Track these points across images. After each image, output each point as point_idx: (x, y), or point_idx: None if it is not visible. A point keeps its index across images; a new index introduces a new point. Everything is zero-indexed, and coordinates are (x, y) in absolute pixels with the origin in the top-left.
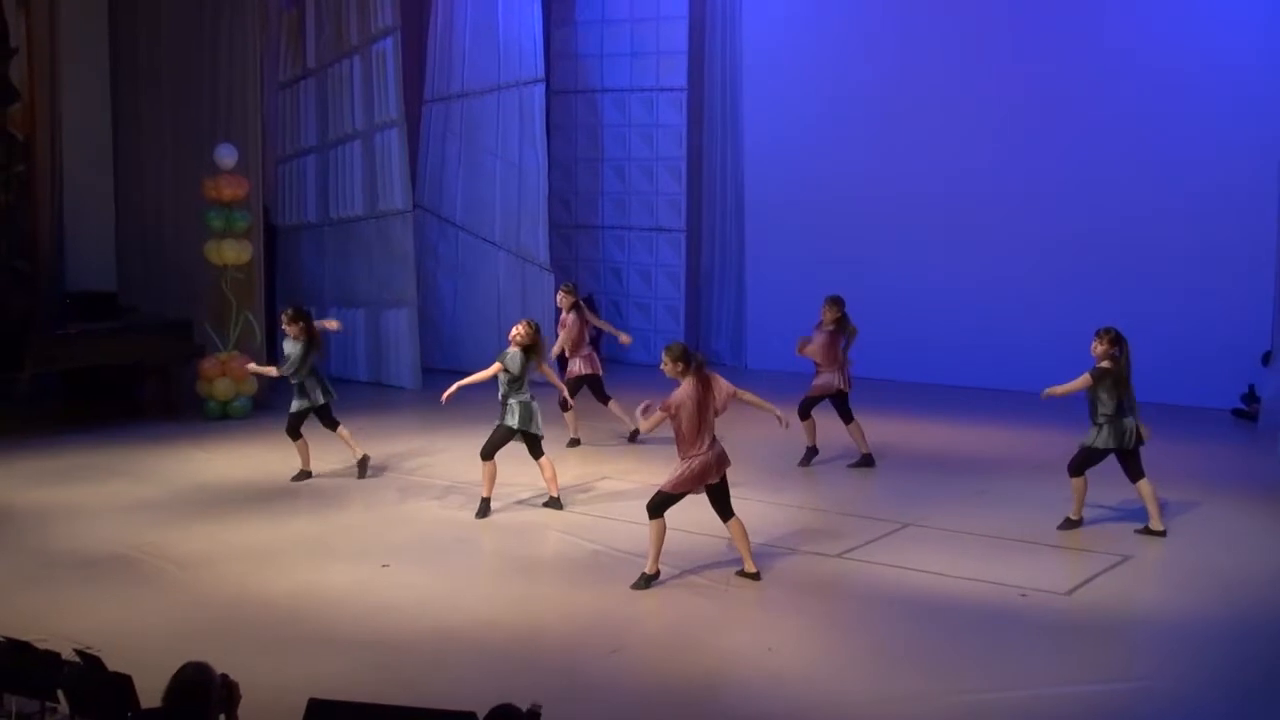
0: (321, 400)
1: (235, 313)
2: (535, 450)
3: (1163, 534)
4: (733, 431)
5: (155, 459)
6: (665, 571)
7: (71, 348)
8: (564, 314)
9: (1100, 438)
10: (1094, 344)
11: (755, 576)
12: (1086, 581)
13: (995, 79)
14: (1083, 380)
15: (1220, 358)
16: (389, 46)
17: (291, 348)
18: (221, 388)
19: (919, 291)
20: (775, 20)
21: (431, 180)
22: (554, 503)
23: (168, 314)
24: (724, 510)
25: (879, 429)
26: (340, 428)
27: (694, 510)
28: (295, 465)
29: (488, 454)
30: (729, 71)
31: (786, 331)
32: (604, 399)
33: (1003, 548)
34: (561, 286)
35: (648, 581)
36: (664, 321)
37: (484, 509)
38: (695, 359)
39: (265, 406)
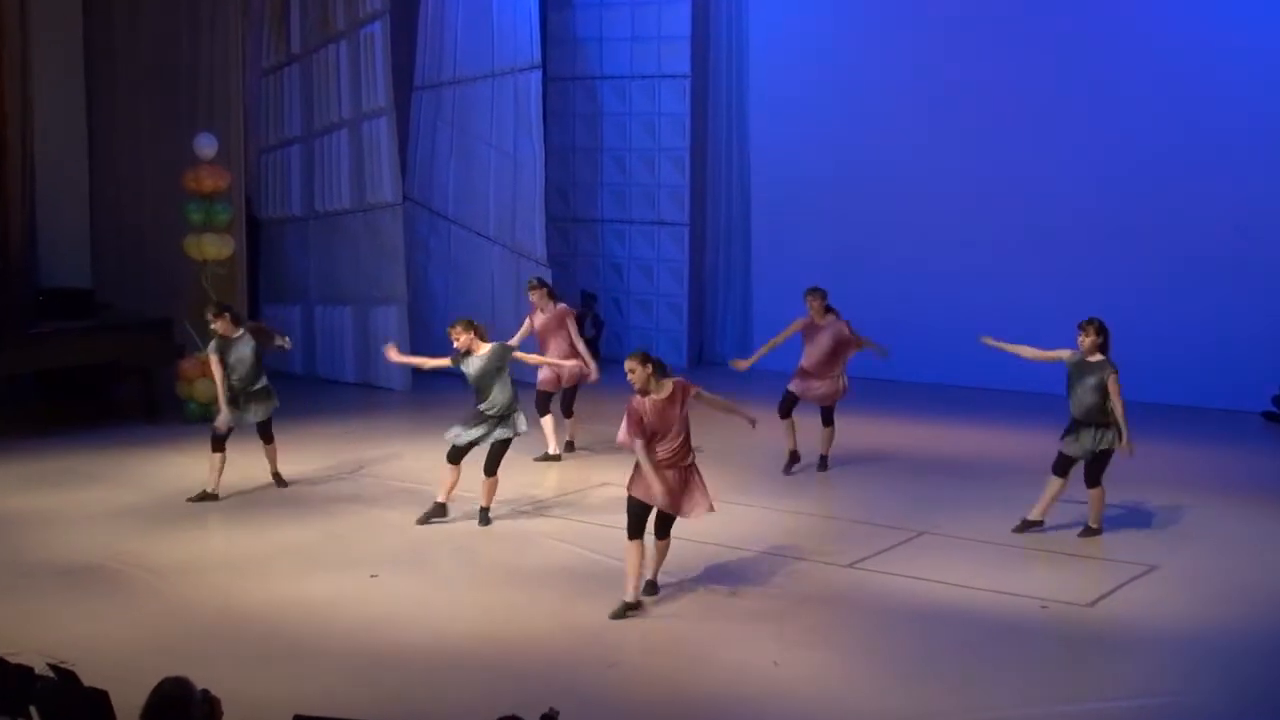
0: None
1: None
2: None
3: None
4: (738, 437)
5: (133, 463)
6: (667, 581)
7: (45, 347)
8: (548, 311)
9: (1110, 438)
10: (1081, 337)
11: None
12: (1110, 593)
13: (1014, 69)
14: (1118, 390)
15: (1250, 358)
16: (377, 31)
17: (239, 351)
18: (202, 389)
19: (932, 288)
20: (783, 4)
21: (422, 171)
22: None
23: (146, 312)
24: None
25: (890, 431)
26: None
27: (701, 518)
28: (279, 470)
29: (490, 470)
30: (735, 58)
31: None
32: (566, 409)
33: (1021, 557)
34: (530, 283)
35: (654, 588)
36: (666, 319)
37: (484, 517)
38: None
39: None
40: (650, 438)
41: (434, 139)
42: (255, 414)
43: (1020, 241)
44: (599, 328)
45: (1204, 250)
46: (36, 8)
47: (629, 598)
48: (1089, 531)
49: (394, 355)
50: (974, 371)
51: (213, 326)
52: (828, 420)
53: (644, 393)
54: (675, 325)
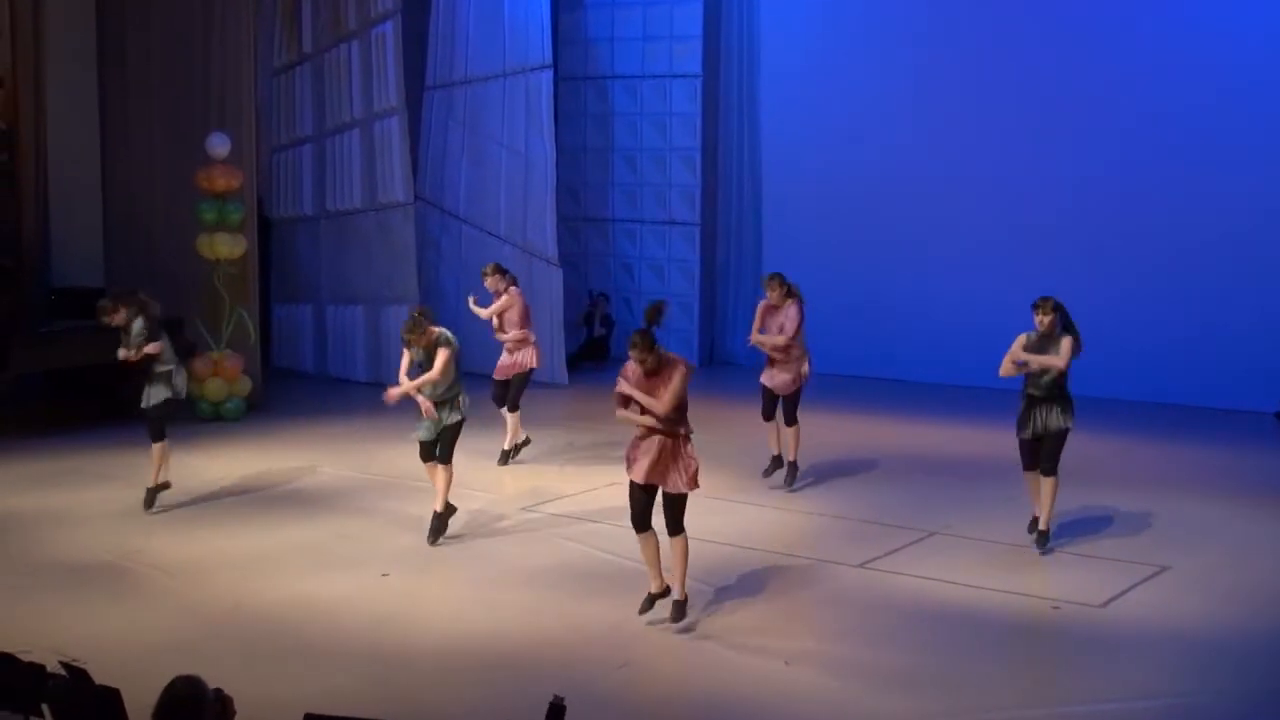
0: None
1: (228, 310)
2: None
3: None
4: (744, 437)
5: (143, 463)
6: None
7: (56, 346)
8: (502, 294)
9: (1060, 415)
10: (1039, 316)
11: (681, 609)
12: (1122, 593)
13: (1022, 69)
14: (1070, 351)
15: (1261, 358)
16: (389, 30)
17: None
18: (214, 388)
19: (943, 288)
20: (794, 4)
21: (433, 171)
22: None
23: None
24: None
25: (899, 431)
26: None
27: (711, 518)
28: (290, 469)
29: (444, 457)
30: (746, 57)
31: (805, 330)
32: (502, 401)
33: (1033, 557)
34: (484, 270)
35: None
36: (677, 319)
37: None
38: None
39: (259, 408)
40: (627, 403)
41: (445, 138)
42: (144, 397)
43: (1029, 241)
44: (609, 327)
45: (1214, 248)
46: (51, 7)
47: (653, 588)
48: (1041, 536)
49: (395, 394)
50: (983, 371)
51: (110, 320)
52: (790, 419)
53: (650, 374)
54: (686, 324)
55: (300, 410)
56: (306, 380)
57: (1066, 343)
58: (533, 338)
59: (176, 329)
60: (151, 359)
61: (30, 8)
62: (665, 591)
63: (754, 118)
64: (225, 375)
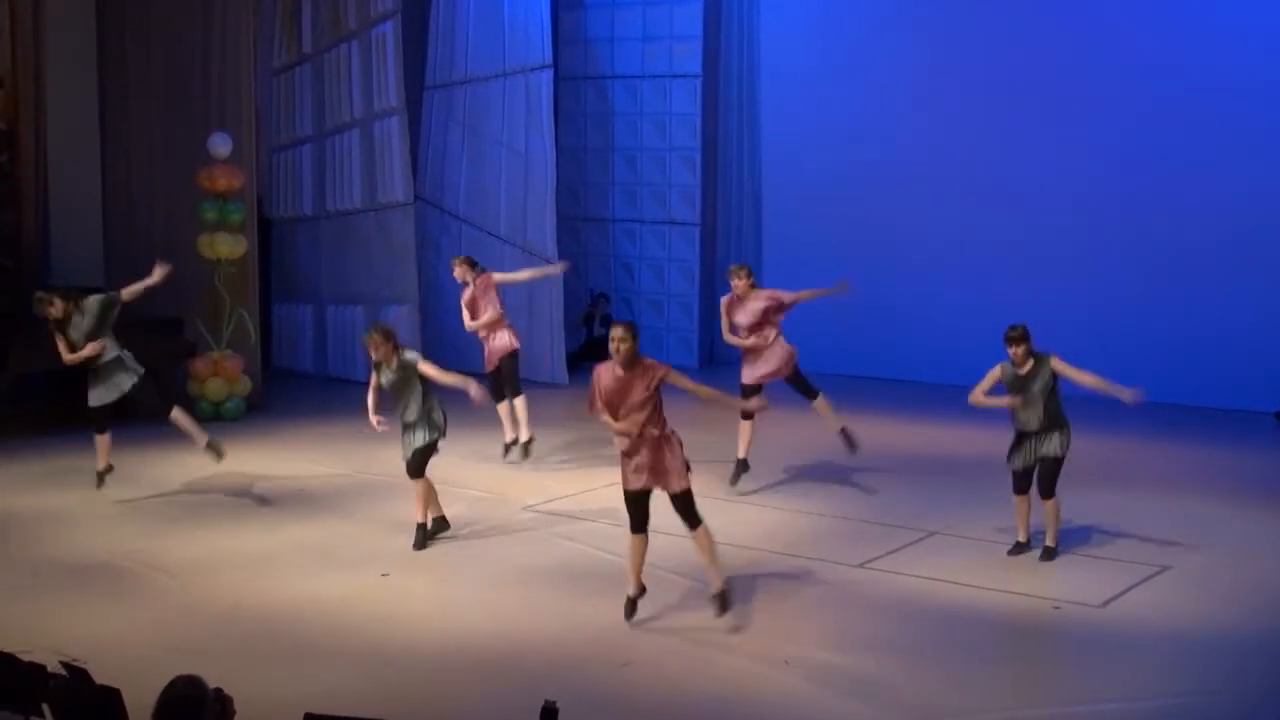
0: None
1: (228, 310)
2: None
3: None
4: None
5: (144, 463)
6: (679, 581)
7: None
8: (472, 285)
9: (1053, 445)
10: (1015, 349)
11: (723, 600)
12: (1122, 593)
13: (1023, 69)
14: (1071, 366)
15: (1260, 358)
16: (389, 30)
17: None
18: (214, 388)
19: (945, 289)
20: (794, 4)
21: (433, 171)
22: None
23: (157, 311)
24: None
25: (900, 431)
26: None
27: (710, 518)
28: (291, 469)
29: (412, 472)
30: (746, 57)
31: (805, 329)
32: (504, 389)
33: (1033, 558)
34: (454, 261)
35: (723, 602)
36: (677, 319)
37: (420, 537)
38: None
39: (259, 408)
40: (605, 409)
41: (445, 138)
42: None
43: (1030, 241)
44: (609, 327)
45: (1213, 248)
46: (50, 7)
47: (630, 591)
48: (1048, 553)
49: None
50: (983, 371)
51: (48, 312)
52: (809, 392)
53: (625, 365)
54: (686, 324)
55: (300, 410)
56: (306, 380)
57: (1058, 364)
58: (504, 319)
59: (176, 329)
60: (92, 359)
61: (30, 8)
62: (642, 592)
63: (754, 118)
64: (225, 375)
